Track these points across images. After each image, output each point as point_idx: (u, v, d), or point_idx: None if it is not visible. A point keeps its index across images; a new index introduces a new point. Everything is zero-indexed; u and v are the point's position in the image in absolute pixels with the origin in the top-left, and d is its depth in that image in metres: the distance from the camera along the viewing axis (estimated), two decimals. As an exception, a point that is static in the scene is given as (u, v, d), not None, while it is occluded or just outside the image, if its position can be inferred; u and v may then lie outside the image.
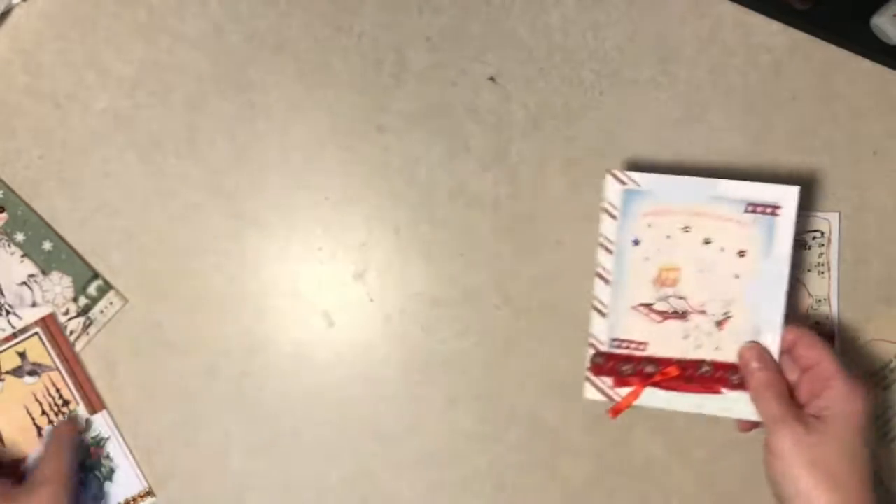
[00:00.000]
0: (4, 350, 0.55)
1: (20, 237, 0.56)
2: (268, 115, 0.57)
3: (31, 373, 0.55)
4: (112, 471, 0.56)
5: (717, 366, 0.54)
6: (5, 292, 0.56)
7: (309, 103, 0.58)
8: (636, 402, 0.54)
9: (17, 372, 0.55)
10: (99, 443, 0.56)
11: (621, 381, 0.54)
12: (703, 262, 0.53)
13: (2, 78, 0.56)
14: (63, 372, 0.56)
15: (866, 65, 0.59)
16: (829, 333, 0.59)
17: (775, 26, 0.58)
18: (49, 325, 0.56)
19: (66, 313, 0.57)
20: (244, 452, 0.58)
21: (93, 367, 0.57)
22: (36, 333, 0.56)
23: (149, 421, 0.57)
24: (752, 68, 0.59)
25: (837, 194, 0.59)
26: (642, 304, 0.54)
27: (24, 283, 0.56)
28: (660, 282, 0.53)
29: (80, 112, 0.57)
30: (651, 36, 0.59)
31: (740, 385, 0.53)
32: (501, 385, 0.59)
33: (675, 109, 0.59)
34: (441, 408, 0.58)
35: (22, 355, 0.55)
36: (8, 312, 0.56)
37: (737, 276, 0.53)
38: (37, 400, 0.56)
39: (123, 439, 0.57)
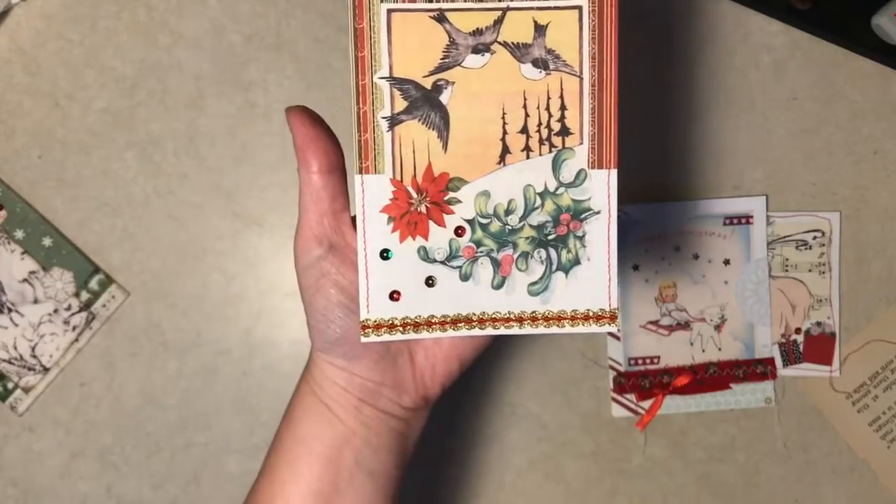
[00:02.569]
0: (516, 8, 0.35)
1: (20, 234, 0.56)
2: (268, 115, 0.57)
3: (541, 63, 0.35)
4: (577, 261, 0.36)
5: (722, 365, 0.59)
6: (7, 290, 0.56)
7: (309, 103, 0.58)
8: (659, 412, 0.58)
9: (520, 51, 0.35)
10: (580, 214, 0.36)
11: (643, 395, 0.58)
12: (696, 275, 0.58)
13: (1, 77, 0.56)
14: (588, 82, 0.35)
15: (866, 65, 0.59)
16: (830, 333, 0.59)
17: (775, 26, 0.58)
18: (605, 7, 0.35)
19: (69, 309, 0.57)
20: (244, 452, 0.58)
21: (93, 367, 0.57)
22: (578, 8, 0.35)
23: (149, 421, 0.57)
24: (752, 68, 0.59)
25: (838, 194, 0.59)
26: (650, 322, 0.58)
27: (26, 279, 0.56)
28: (661, 299, 0.58)
29: (79, 111, 0.57)
30: (651, 36, 0.59)
31: (745, 378, 0.58)
32: (501, 385, 0.58)
33: (674, 110, 0.59)
34: (441, 408, 0.58)
35: (539, 30, 0.35)
36: (10, 310, 0.56)
37: (726, 283, 0.58)
38: (524, 106, 0.35)
39: (610, 236, 0.36)
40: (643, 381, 0.58)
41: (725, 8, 0.58)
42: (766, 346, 0.58)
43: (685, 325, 0.58)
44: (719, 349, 0.59)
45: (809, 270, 0.59)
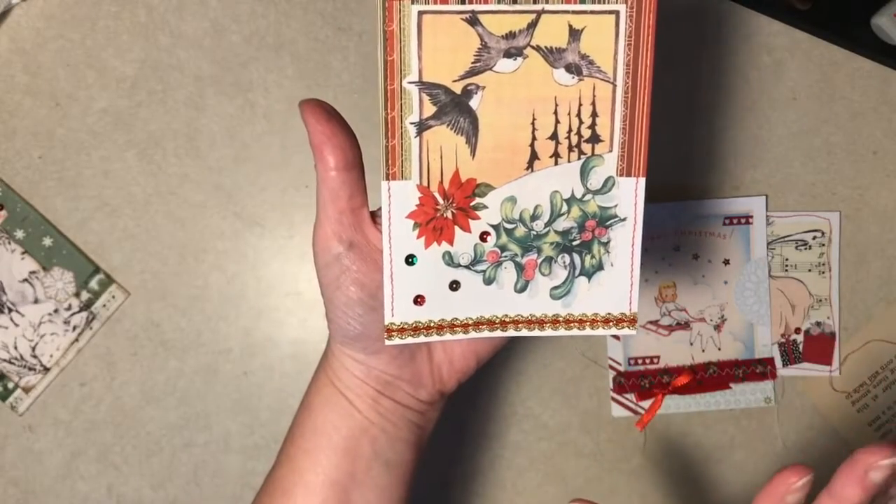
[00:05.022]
0: (551, 11, 0.34)
1: (20, 234, 0.56)
2: (268, 115, 0.57)
3: (574, 69, 0.34)
4: (600, 266, 0.36)
5: (721, 365, 0.59)
6: (7, 290, 0.56)
7: (309, 103, 0.58)
8: (659, 411, 0.58)
9: (553, 55, 0.34)
10: (606, 220, 0.36)
11: (643, 395, 0.58)
12: (696, 275, 0.58)
13: (1, 78, 0.56)
14: (621, 89, 0.35)
15: (866, 65, 0.59)
16: (830, 333, 0.59)
17: (775, 26, 0.58)
18: (643, 12, 0.34)
19: (69, 309, 0.57)
20: (244, 452, 0.58)
21: (93, 367, 0.57)
22: (616, 13, 0.34)
23: (149, 421, 0.57)
24: (752, 68, 0.59)
25: (837, 194, 0.59)
26: (650, 322, 0.58)
27: (26, 279, 0.56)
28: (661, 299, 0.58)
29: (79, 112, 0.57)
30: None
31: (745, 378, 0.58)
32: (502, 385, 0.58)
33: (674, 110, 0.59)
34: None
35: (574, 34, 0.34)
36: (10, 310, 0.56)
37: (726, 283, 0.58)
38: (555, 112, 0.35)
39: (634, 243, 0.37)
40: (643, 381, 0.58)
41: (725, 8, 0.58)
42: (765, 345, 0.58)
43: (685, 325, 0.59)
44: (719, 349, 0.59)
45: (809, 270, 0.59)
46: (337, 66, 0.57)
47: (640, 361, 0.58)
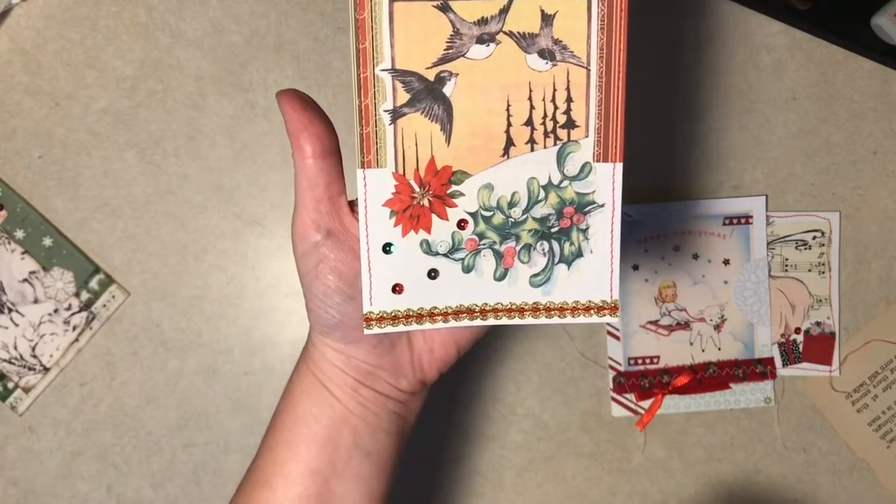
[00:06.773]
0: None
1: (20, 234, 0.56)
2: (268, 115, 0.57)
3: (547, 54, 0.34)
4: (579, 254, 0.36)
5: (721, 365, 0.59)
6: (7, 290, 0.56)
7: (309, 103, 0.58)
8: (659, 411, 0.58)
9: (526, 41, 0.34)
10: (584, 207, 0.36)
11: (643, 395, 0.59)
12: (696, 275, 0.58)
13: (1, 78, 0.56)
14: (595, 74, 0.34)
15: (866, 65, 0.59)
16: (830, 333, 0.59)
17: (775, 26, 0.58)
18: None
19: (69, 308, 0.57)
20: (244, 452, 0.58)
21: (92, 367, 0.57)
22: None
23: (149, 421, 0.57)
24: (752, 68, 0.59)
25: (837, 194, 0.59)
26: (650, 322, 0.59)
27: (26, 279, 0.56)
28: (661, 299, 0.58)
29: (79, 112, 0.57)
30: (651, 36, 0.59)
31: (744, 378, 0.58)
32: (501, 385, 0.58)
33: (674, 109, 0.59)
34: (441, 407, 0.58)
35: (547, 19, 0.34)
36: (10, 310, 0.56)
37: (725, 282, 0.58)
38: (530, 98, 0.34)
39: (613, 229, 0.36)
40: (643, 381, 0.58)
41: (725, 8, 0.58)
42: (765, 345, 0.58)
43: (685, 325, 0.59)
44: (719, 349, 0.59)
45: (809, 270, 0.59)
46: (337, 65, 0.57)
47: (639, 361, 0.58)
